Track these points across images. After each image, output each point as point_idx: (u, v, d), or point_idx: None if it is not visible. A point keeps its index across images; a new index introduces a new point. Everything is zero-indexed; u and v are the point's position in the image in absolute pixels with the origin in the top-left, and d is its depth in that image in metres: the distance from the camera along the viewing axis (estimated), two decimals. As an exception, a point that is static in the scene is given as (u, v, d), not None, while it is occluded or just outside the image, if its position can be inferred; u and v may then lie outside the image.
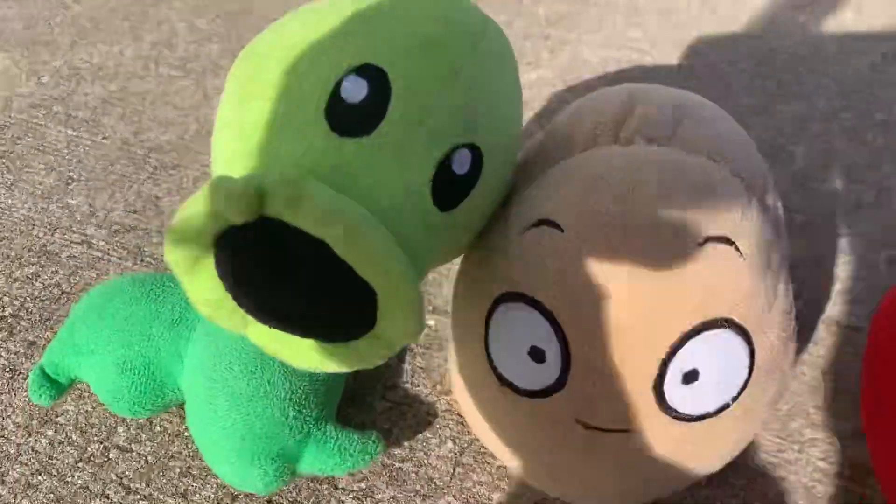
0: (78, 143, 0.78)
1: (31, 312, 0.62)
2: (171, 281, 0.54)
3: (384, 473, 0.51)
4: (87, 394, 0.56)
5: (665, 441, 0.39)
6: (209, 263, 0.37)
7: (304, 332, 0.37)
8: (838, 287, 0.60)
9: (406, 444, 0.53)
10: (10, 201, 0.72)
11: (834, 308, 0.59)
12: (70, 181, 0.74)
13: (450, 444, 0.53)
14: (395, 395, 0.56)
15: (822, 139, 0.74)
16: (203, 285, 0.37)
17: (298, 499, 0.50)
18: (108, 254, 0.66)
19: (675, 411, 0.38)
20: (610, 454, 0.40)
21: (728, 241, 0.36)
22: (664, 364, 0.37)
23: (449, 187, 0.37)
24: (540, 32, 0.91)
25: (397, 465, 0.52)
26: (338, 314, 0.36)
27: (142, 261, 0.66)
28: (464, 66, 0.37)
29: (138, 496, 0.51)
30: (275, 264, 0.35)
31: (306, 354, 0.39)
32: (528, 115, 0.77)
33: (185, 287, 0.38)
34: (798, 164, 0.72)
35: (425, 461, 0.52)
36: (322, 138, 0.35)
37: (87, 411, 0.55)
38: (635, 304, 0.36)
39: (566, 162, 0.41)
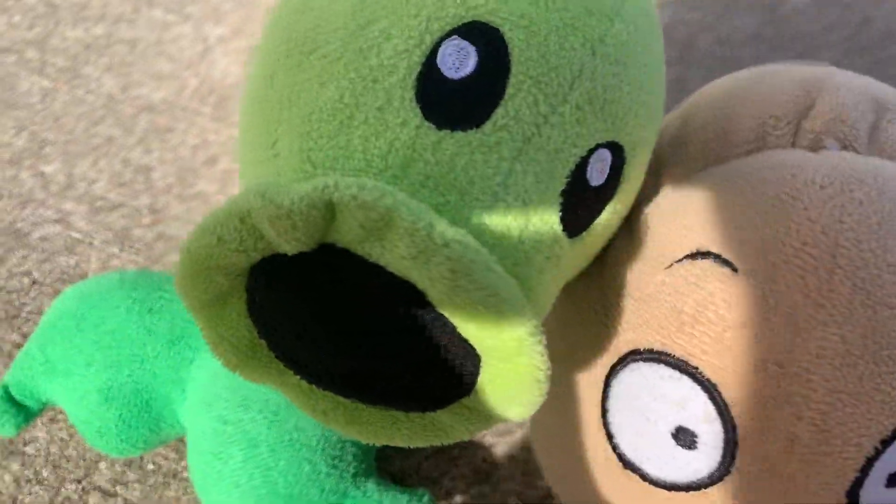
0: (55, 96, 0.66)
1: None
2: (171, 283, 0.43)
3: (434, 536, 0.41)
4: (62, 415, 0.45)
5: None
6: (239, 298, 0.26)
7: (370, 401, 0.27)
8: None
9: (458, 498, 0.43)
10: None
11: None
12: (44, 144, 0.62)
13: (513, 501, 0.42)
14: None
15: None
16: (228, 325, 0.27)
17: (327, 567, 0.40)
18: (90, 235, 0.55)
19: (879, 521, 0.28)
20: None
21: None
22: (870, 462, 0.26)
23: (581, 202, 0.26)
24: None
25: (451, 526, 0.42)
26: (420, 379, 0.26)
27: (130, 246, 0.55)
28: (612, 27, 0.26)
29: (125, 557, 0.40)
30: (333, 307, 0.24)
31: (367, 424, 0.28)
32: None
33: (201, 326, 0.27)
34: None
35: (484, 522, 0.42)
36: (412, 131, 0.24)
37: (62, 440, 0.45)
38: (843, 384, 0.25)
39: (722, 168, 0.30)
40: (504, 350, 0.23)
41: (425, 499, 0.39)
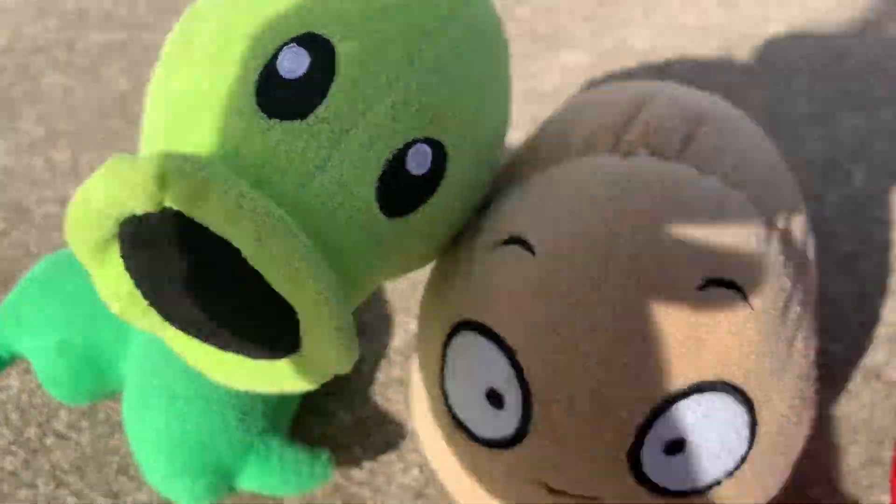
0: (73, 93, 0.73)
1: (-12, 273, 0.58)
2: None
3: (337, 496, 0.46)
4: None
5: (641, 517, 0.32)
6: (115, 256, 0.31)
7: (216, 344, 0.32)
8: (883, 332, 0.53)
9: (367, 465, 0.47)
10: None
11: (875, 357, 0.51)
12: (58, 134, 0.69)
13: (415, 472, 0.47)
14: (364, 409, 0.50)
15: (886, 159, 0.65)
16: (111, 277, 0.32)
17: (239, 515, 0.45)
18: (85, 217, 0.61)
19: (654, 484, 0.31)
20: (575, 522, 0.33)
21: (735, 286, 0.29)
22: (643, 429, 0.30)
23: (402, 189, 0.31)
24: (584, 14, 0.83)
25: (353, 488, 0.46)
26: (256, 328, 0.31)
27: (118, 227, 0.61)
28: (431, 42, 0.31)
29: (68, 491, 0.46)
30: (182, 260, 0.29)
31: (227, 369, 0.33)
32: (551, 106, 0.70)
33: (93, 278, 0.32)
34: (854, 186, 0.63)
35: (385, 488, 0.46)
36: (247, 119, 0.29)
37: (31, 389, 0.51)
38: (614, 354, 0.29)
39: (554, 169, 0.34)
40: (306, 305, 0.28)
41: (324, 457, 0.44)
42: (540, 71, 0.75)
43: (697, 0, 0.84)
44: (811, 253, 0.36)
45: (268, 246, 0.27)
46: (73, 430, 0.49)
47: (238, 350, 0.32)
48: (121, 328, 0.46)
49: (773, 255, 0.31)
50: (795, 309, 0.32)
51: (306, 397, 0.49)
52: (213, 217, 0.27)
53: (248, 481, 0.43)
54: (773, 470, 0.34)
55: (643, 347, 0.29)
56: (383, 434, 0.49)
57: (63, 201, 0.63)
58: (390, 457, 0.47)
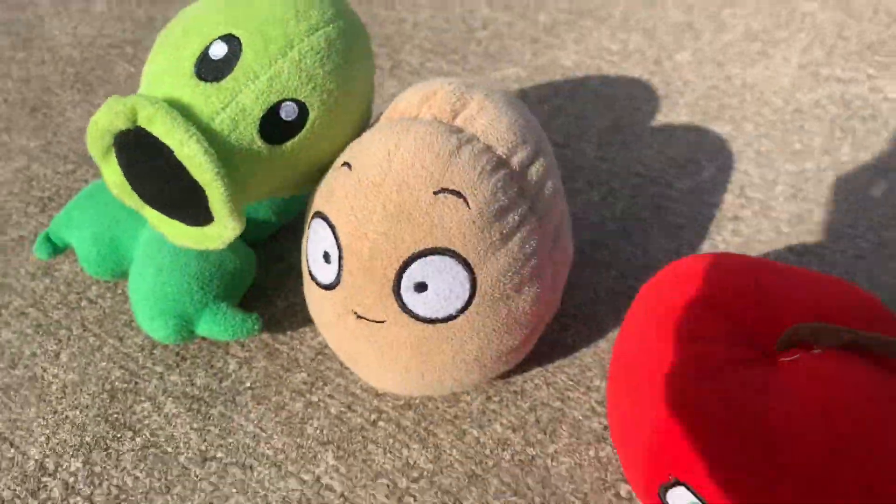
0: (135, 79, 0.98)
1: (61, 196, 0.82)
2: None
3: (265, 349, 0.68)
4: (80, 259, 0.76)
5: (410, 335, 0.53)
6: (114, 158, 0.54)
7: (167, 213, 0.54)
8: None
9: (289, 333, 0.69)
10: (72, 114, 0.93)
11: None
12: (118, 106, 0.94)
13: (320, 338, 0.68)
14: (295, 298, 0.72)
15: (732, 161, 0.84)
16: (112, 172, 0.55)
17: (199, 355, 0.67)
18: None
19: (412, 312, 0.52)
20: (374, 340, 0.54)
21: (459, 194, 0.50)
22: (399, 273, 0.51)
23: (276, 128, 0.53)
24: (532, 36, 1.04)
25: (276, 345, 0.68)
26: (188, 204, 0.53)
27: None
28: (298, 44, 0.53)
29: (91, 333, 0.69)
30: (149, 164, 0.52)
31: (175, 232, 0.56)
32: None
33: (102, 172, 0.56)
34: (701, 177, 0.82)
35: (298, 346, 0.68)
36: (187, 80, 0.52)
37: (76, 272, 0.75)
38: (381, 227, 0.50)
39: (377, 125, 0.56)
40: (207, 184, 0.50)
41: (254, 317, 0.66)
42: (484, 81, 0.96)
43: (624, 30, 1.04)
44: (547, 190, 0.56)
45: (185, 147, 0.49)
46: (100, 298, 0.73)
47: (179, 218, 0.55)
48: (135, 229, 0.69)
49: (494, 181, 0.52)
50: (514, 217, 0.53)
51: (254, 286, 0.71)
52: (159, 131, 0.49)
53: (202, 328, 0.65)
54: (496, 319, 0.54)
55: (398, 223, 0.50)
56: (304, 314, 0.70)
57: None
58: (305, 328, 0.69)
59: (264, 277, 0.73)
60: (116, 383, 0.66)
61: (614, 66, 0.98)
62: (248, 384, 0.65)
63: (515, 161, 0.54)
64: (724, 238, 0.75)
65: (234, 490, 0.58)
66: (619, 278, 0.72)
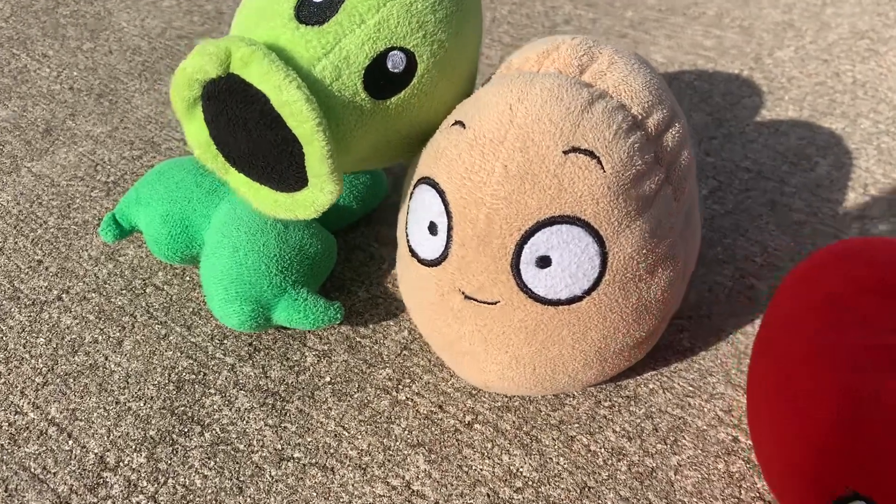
0: (203, 67, 0.94)
1: (126, 181, 0.78)
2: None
3: (345, 343, 0.62)
4: (146, 245, 0.71)
5: (526, 319, 0.46)
6: (200, 112, 0.49)
7: (255, 176, 0.48)
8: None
9: (371, 326, 0.63)
10: (139, 102, 0.89)
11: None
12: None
13: (405, 333, 0.62)
14: (377, 290, 0.66)
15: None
16: (196, 129, 0.50)
17: (273, 346, 0.61)
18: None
19: (531, 291, 0.45)
20: (483, 324, 0.48)
21: (592, 154, 0.44)
22: (520, 245, 0.44)
23: (382, 80, 0.47)
24: (620, 31, 0.98)
25: (358, 339, 0.62)
26: (280, 170, 0.47)
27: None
28: (408, -10, 0.47)
29: (156, 321, 0.64)
30: (241, 116, 0.46)
31: (264, 200, 0.50)
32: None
33: (185, 130, 0.50)
34: (817, 173, 0.75)
35: (381, 340, 0.62)
36: (286, 22, 0.46)
37: (141, 257, 0.70)
38: (501, 191, 0.44)
39: (494, 79, 0.49)
40: (305, 136, 0.44)
41: (336, 306, 0.60)
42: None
43: (719, 27, 0.98)
44: (684, 160, 0.49)
45: (284, 93, 0.43)
46: (167, 285, 0.67)
47: (269, 183, 0.49)
48: (207, 209, 0.64)
49: (631, 142, 0.45)
50: (650, 186, 0.46)
51: (333, 276, 0.65)
52: (255, 75, 0.44)
53: (279, 315, 0.59)
54: (626, 304, 0.47)
55: (521, 188, 0.44)
56: (386, 306, 0.64)
57: (182, 140, 0.83)
58: (388, 322, 0.63)
59: (344, 268, 0.67)
60: (184, 374, 0.60)
61: (710, 62, 0.91)
62: (327, 379, 0.59)
63: (651, 123, 0.47)
64: (852, 236, 0.68)
65: (314, 494, 0.52)
66: (737, 277, 0.65)
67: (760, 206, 0.71)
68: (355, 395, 0.58)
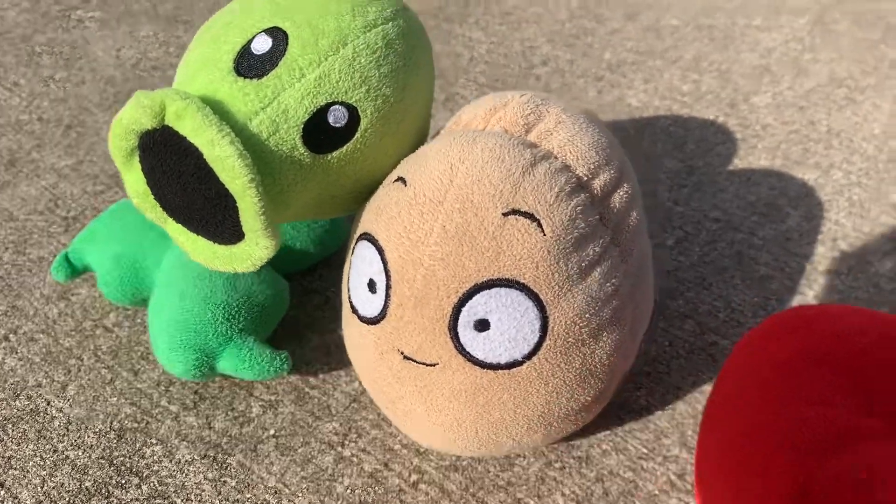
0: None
1: (86, 217, 0.76)
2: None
3: (293, 393, 0.60)
4: (100, 284, 0.69)
5: (465, 382, 0.45)
6: (137, 162, 0.48)
7: (192, 228, 0.47)
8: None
9: (321, 376, 0.61)
10: (107, 134, 0.88)
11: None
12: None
13: (356, 384, 0.60)
14: (330, 337, 0.64)
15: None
16: (134, 179, 0.48)
17: (219, 395, 0.60)
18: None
19: (469, 354, 0.44)
20: (423, 386, 0.46)
21: (532, 217, 0.42)
22: (458, 308, 0.43)
23: (322, 135, 0.46)
24: (596, 74, 0.97)
25: (307, 389, 0.60)
26: (216, 218, 0.46)
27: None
28: (352, 42, 0.46)
29: (103, 364, 0.62)
30: (175, 169, 0.45)
31: (202, 251, 0.49)
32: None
33: (124, 179, 0.49)
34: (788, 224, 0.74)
35: (330, 392, 0.60)
36: (225, 75, 0.45)
37: (94, 297, 0.68)
38: (439, 251, 0.43)
39: (438, 136, 0.48)
40: (238, 192, 0.43)
41: (283, 356, 0.58)
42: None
43: (697, 71, 0.97)
44: (632, 221, 0.48)
45: (217, 148, 0.42)
46: (117, 327, 0.66)
47: (206, 235, 0.48)
48: (159, 253, 0.63)
49: (574, 205, 0.44)
50: (594, 249, 0.45)
51: (286, 321, 0.64)
52: (188, 129, 0.43)
53: (224, 364, 0.57)
54: (568, 369, 0.45)
55: (459, 250, 0.43)
56: (338, 355, 0.62)
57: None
58: (340, 371, 0.61)
59: (298, 312, 0.65)
60: (126, 422, 0.58)
61: (686, 107, 0.90)
62: (272, 432, 0.57)
63: (597, 184, 0.46)
64: (817, 293, 0.67)
65: (248, 555, 0.50)
66: (697, 333, 0.64)
67: (727, 258, 0.70)
68: (299, 450, 0.56)
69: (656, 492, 0.53)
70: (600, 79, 0.97)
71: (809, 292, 0.67)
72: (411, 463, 0.55)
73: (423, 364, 0.45)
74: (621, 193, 0.47)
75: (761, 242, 0.72)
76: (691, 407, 0.58)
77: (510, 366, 0.44)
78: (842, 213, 0.75)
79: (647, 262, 0.50)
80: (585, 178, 0.45)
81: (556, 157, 0.45)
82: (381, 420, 0.57)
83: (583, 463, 0.55)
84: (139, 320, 0.66)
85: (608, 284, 0.45)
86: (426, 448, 0.55)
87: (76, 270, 0.65)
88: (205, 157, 0.43)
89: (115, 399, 0.60)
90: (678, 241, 0.72)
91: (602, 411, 0.55)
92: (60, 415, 0.59)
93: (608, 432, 0.56)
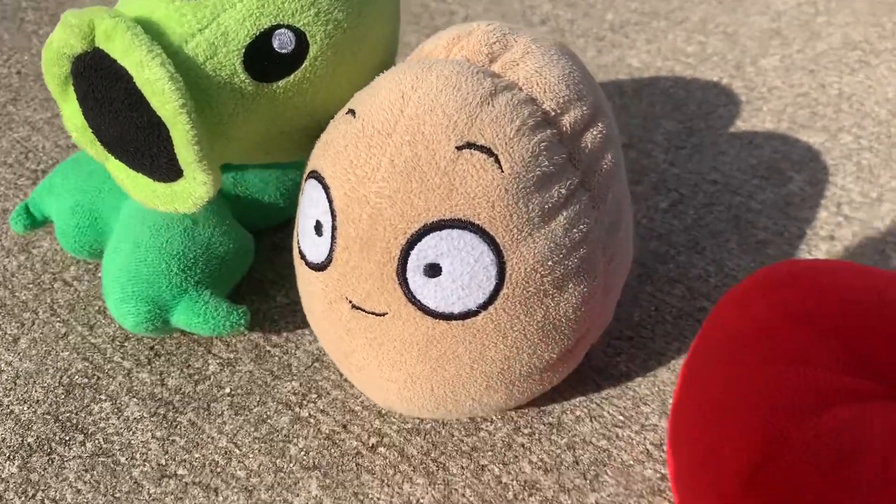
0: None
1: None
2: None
3: (253, 351, 0.57)
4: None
5: (416, 333, 0.41)
6: (73, 91, 0.44)
7: (131, 163, 0.44)
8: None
9: (285, 334, 0.58)
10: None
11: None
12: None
13: (319, 344, 0.57)
14: (297, 295, 0.60)
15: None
16: (71, 110, 0.45)
17: (176, 352, 0.57)
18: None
19: (420, 302, 0.40)
20: (373, 338, 0.43)
21: (490, 152, 0.39)
22: (406, 250, 0.39)
23: (267, 61, 0.42)
24: (598, 34, 0.93)
25: (268, 347, 0.57)
26: (153, 151, 0.43)
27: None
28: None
29: (58, 319, 0.59)
30: (106, 95, 0.42)
31: (142, 190, 0.45)
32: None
33: (62, 113, 0.46)
34: (789, 188, 0.69)
35: (293, 351, 0.57)
36: (166, 5, 0.42)
37: (55, 250, 0.65)
38: (386, 188, 0.39)
39: (395, 67, 0.44)
40: (169, 118, 0.39)
41: (241, 310, 0.55)
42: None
43: (703, 32, 0.92)
44: (606, 164, 0.44)
45: (146, 70, 0.39)
46: (76, 281, 0.63)
47: (144, 171, 0.44)
48: (117, 202, 0.59)
49: (537, 140, 0.40)
50: (560, 191, 0.41)
51: (251, 278, 0.61)
52: (117, 50, 0.39)
53: (178, 318, 0.54)
54: (529, 321, 0.41)
55: (408, 187, 0.39)
56: (304, 314, 0.59)
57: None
58: (304, 330, 0.58)
59: (265, 269, 0.62)
60: (76, 377, 0.55)
61: (689, 69, 0.86)
62: (227, 390, 0.54)
63: (567, 121, 0.42)
64: (795, 259, 0.62)
65: (190, 517, 0.47)
66: (686, 298, 0.59)
67: (723, 222, 0.66)
68: (254, 410, 0.53)
69: (631, 461, 0.49)
70: (601, 39, 0.92)
71: (808, 258, 0.62)
72: (371, 425, 0.51)
73: (373, 314, 0.42)
74: (594, 133, 0.43)
75: (760, 206, 0.67)
76: (674, 374, 0.54)
77: (464, 316, 0.40)
78: (849, 178, 0.70)
79: (624, 210, 0.46)
80: (553, 114, 0.41)
81: (520, 89, 0.41)
82: (344, 381, 0.54)
83: (554, 429, 0.51)
84: (100, 275, 0.63)
85: (575, 231, 0.41)
86: (387, 410, 0.52)
87: (35, 221, 0.62)
88: (134, 80, 0.39)
89: (66, 353, 0.57)
90: (672, 203, 0.68)
91: (578, 377, 0.52)
92: (9, 368, 0.56)
93: (583, 398, 0.53)
